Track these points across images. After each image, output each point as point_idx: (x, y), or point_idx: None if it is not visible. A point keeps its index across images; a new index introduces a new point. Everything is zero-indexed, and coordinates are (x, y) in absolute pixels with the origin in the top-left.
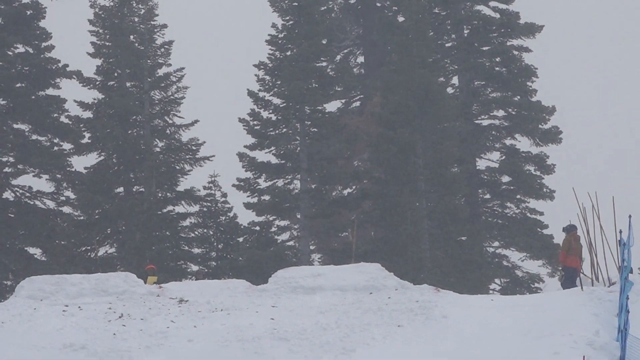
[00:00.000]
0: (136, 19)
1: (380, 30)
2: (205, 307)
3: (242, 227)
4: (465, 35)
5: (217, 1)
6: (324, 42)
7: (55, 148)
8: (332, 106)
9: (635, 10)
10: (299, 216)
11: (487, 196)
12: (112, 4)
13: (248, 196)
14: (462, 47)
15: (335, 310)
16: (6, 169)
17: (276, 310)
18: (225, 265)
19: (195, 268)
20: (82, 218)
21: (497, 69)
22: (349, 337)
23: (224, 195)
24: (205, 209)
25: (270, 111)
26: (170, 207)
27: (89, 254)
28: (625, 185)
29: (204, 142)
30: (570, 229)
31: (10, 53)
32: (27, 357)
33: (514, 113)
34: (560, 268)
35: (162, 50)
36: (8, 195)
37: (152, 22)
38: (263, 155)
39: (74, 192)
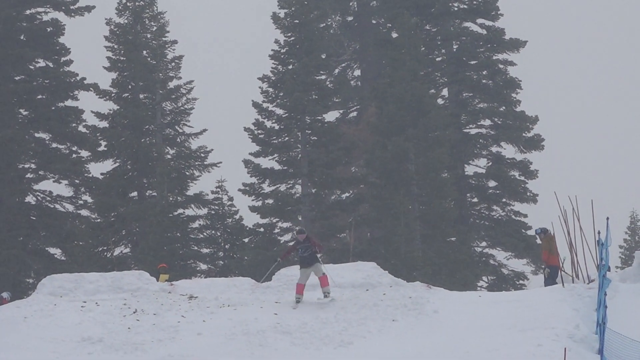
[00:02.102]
0: (149, 36)
1: (376, 45)
2: (214, 303)
3: (247, 228)
4: (454, 50)
5: (224, 19)
6: (323, 56)
7: (74, 155)
8: (331, 116)
9: (609, 26)
10: (300, 218)
11: (475, 200)
12: (126, 21)
13: (253, 200)
14: (452, 61)
15: (334, 306)
16: (28, 175)
17: (279, 305)
18: (232, 264)
19: (204, 267)
20: (98, 220)
21: (483, 81)
22: (346, 331)
23: (231, 199)
24: (213, 212)
25: (274, 121)
26: (180, 210)
27: (105, 253)
28: (603, 189)
29: (212, 149)
30: (545, 231)
31: (31, 67)
32: (48, 350)
33: (499, 122)
34: (543, 266)
35: (173, 64)
36: (30, 199)
37: (164, 39)
38: (267, 162)
39: (91, 196)
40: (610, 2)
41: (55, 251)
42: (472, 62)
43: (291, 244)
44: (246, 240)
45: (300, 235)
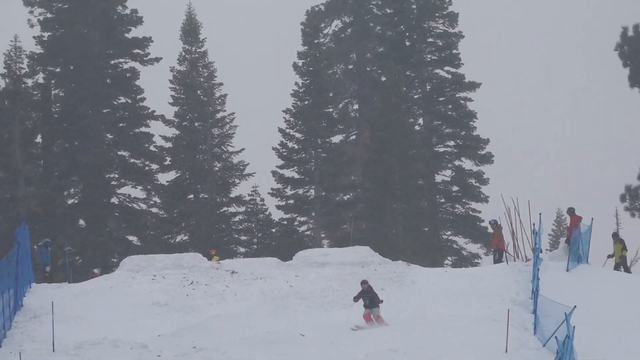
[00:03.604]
0: (201, 79)
1: (369, 86)
2: (249, 276)
3: (274, 222)
4: (427, 89)
5: (258, 66)
6: (330, 95)
7: (146, 168)
8: (336, 139)
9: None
10: (313, 214)
11: (442, 200)
12: (185, 68)
13: (278, 200)
14: (425, 98)
15: (338, 279)
16: (113, 182)
17: (298, 278)
18: (263, 247)
19: (242, 250)
20: (165, 216)
21: (449, 113)
22: (347, 297)
23: (262, 200)
24: (249, 209)
25: (294, 142)
26: (225, 208)
27: (169, 240)
28: (537, 192)
29: (248, 163)
30: (495, 222)
31: (115, 103)
32: (127, 311)
33: (460, 143)
34: (493, 249)
35: (219, 100)
36: (114, 200)
37: (212, 81)
38: (289, 172)
39: (159, 198)
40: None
41: (133, 238)
42: (441, 99)
43: (359, 292)
44: (273, 230)
45: (363, 285)
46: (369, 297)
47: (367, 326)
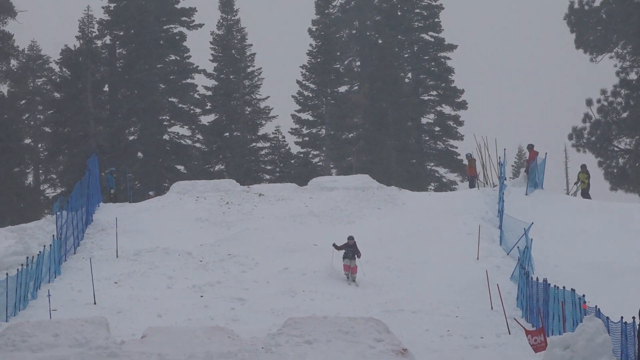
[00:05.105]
0: (235, 41)
1: (369, 47)
2: (273, 198)
3: (293, 155)
4: (415, 50)
5: (281, 31)
6: (338, 54)
7: (191, 111)
8: (342, 89)
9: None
10: (324, 149)
11: (427, 138)
12: (222, 33)
13: (296, 138)
14: (413, 57)
15: (343, 200)
16: (165, 123)
17: (312, 200)
18: (284, 175)
19: (267, 177)
20: (206, 150)
21: (432, 69)
22: (352, 215)
23: (283, 137)
24: (273, 145)
25: (309, 92)
26: (253, 144)
27: (209, 169)
28: (503, 132)
29: (272, 108)
30: (469, 155)
31: (167, 60)
32: (175, 225)
33: (441, 93)
34: (467, 177)
35: (249, 57)
36: (166, 137)
37: (244, 43)
38: (304, 116)
39: (201, 135)
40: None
41: (180, 167)
42: (425, 57)
43: (344, 243)
44: (292, 161)
45: (350, 240)
46: (351, 251)
47: (343, 276)
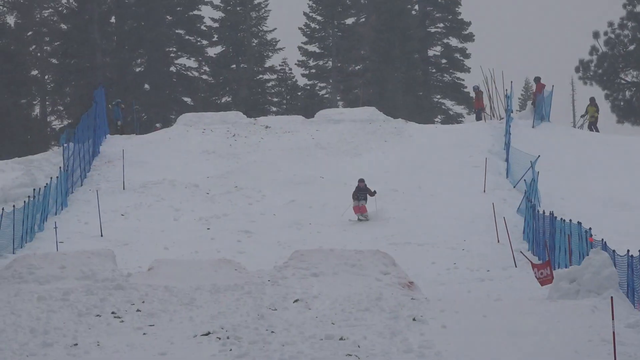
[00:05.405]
0: None
1: None
2: (280, 130)
3: (300, 87)
4: None
5: None
6: None
7: (198, 43)
8: (349, 21)
9: None
10: (330, 81)
11: (434, 70)
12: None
13: (303, 70)
14: None
15: (350, 132)
16: (172, 55)
17: (318, 132)
18: (290, 107)
19: (274, 109)
20: (212, 81)
21: (439, 0)
22: (358, 147)
23: (290, 69)
24: (279, 77)
25: (316, 23)
26: (260, 76)
27: (216, 101)
28: (510, 64)
29: (279, 40)
30: (477, 88)
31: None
32: (182, 156)
33: (448, 25)
34: (474, 110)
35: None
36: (173, 68)
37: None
38: (311, 48)
39: (208, 67)
40: None
41: (187, 99)
42: None
43: (355, 187)
44: (299, 93)
45: (360, 183)
46: (363, 195)
47: (355, 219)
